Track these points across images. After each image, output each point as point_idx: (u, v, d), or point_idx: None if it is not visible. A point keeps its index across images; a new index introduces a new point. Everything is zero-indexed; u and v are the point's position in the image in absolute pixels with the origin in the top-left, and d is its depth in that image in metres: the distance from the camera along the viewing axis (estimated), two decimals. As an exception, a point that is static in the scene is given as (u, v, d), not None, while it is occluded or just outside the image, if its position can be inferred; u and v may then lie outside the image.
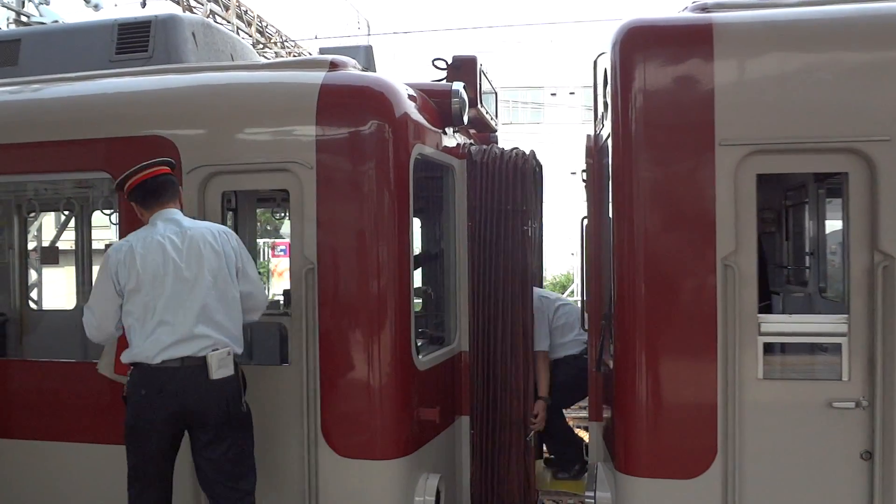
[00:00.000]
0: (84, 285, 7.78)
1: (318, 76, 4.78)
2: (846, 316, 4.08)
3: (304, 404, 4.59)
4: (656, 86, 4.18)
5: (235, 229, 6.72)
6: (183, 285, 4.06)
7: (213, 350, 4.05)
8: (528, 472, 5.60)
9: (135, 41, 5.70)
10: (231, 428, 4.13)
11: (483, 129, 6.44)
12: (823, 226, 6.43)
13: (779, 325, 4.15)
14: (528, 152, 5.72)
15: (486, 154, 5.64)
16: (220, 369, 4.05)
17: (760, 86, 4.09)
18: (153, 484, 4.19)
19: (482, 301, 5.56)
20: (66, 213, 7.97)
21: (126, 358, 4.14)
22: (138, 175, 4.24)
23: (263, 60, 6.94)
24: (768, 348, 4.13)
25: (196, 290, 4.06)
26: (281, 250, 20.98)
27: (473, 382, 5.56)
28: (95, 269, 8.00)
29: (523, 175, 5.57)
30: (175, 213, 4.27)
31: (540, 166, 5.63)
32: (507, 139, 7.04)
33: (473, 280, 5.54)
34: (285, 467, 4.69)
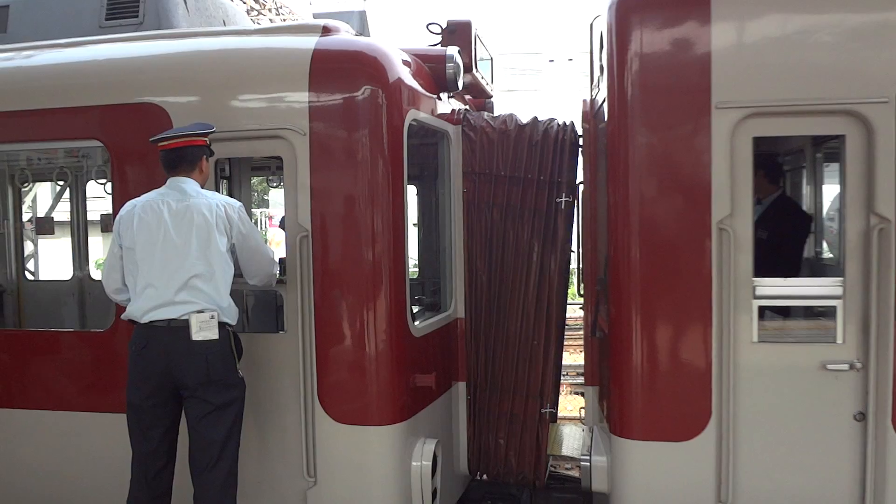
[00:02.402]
0: (80, 256, 7.78)
1: (310, 41, 4.73)
2: (841, 279, 4.09)
3: (300, 372, 4.60)
4: (652, 48, 4.15)
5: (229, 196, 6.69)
6: (171, 250, 4.17)
7: (198, 312, 4.12)
8: (541, 443, 5.50)
9: (125, 7, 5.63)
10: (212, 392, 4.15)
11: (478, 95, 6.39)
12: (821, 190, 6.41)
13: (774, 288, 4.15)
14: (567, 124, 5.57)
15: (516, 124, 5.53)
16: (201, 331, 4.11)
17: (757, 48, 4.05)
18: (143, 452, 4.26)
19: (493, 270, 5.50)
20: (60, 182, 7.92)
21: (124, 315, 4.32)
22: (162, 143, 4.34)
23: (256, 26, 6.87)
24: (763, 312, 4.13)
25: (182, 258, 4.15)
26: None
27: (475, 351, 5.54)
28: (92, 239, 8.02)
29: (562, 148, 5.45)
30: (186, 181, 4.33)
31: (577, 137, 5.51)
32: (504, 106, 6.97)
33: (473, 247, 5.51)
34: (283, 435, 4.72)
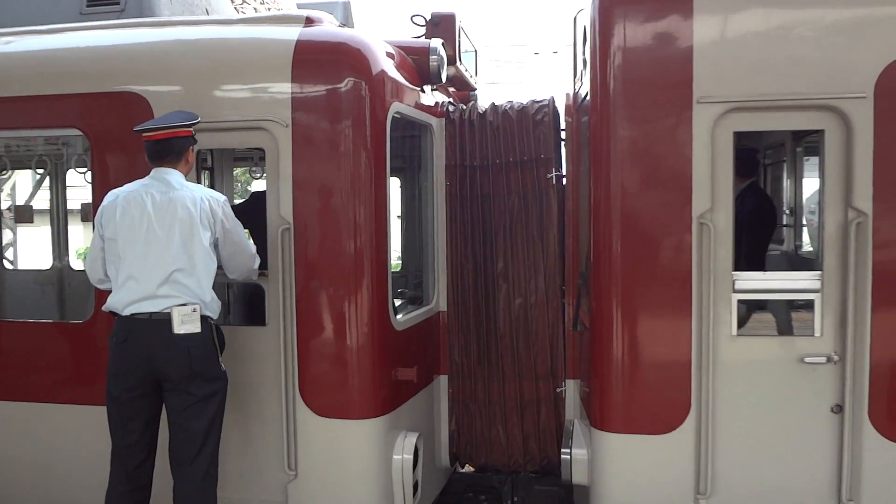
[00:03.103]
0: (60, 245, 7.70)
1: (293, 32, 4.70)
2: (819, 273, 4.12)
3: (281, 365, 4.59)
4: (635, 42, 4.16)
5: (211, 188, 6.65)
6: (154, 243, 4.14)
7: (180, 305, 4.09)
8: (560, 424, 5.45)
9: (106, -6, 5.56)
10: (195, 384, 4.14)
11: (462, 87, 6.38)
12: (801, 184, 6.46)
13: (753, 282, 4.18)
14: (546, 101, 5.57)
15: (496, 111, 5.57)
16: (183, 325, 4.09)
17: (739, 43, 4.08)
18: (124, 445, 4.24)
19: (480, 261, 5.52)
20: (40, 171, 7.83)
21: (105, 306, 4.28)
22: (147, 133, 4.30)
23: (239, 16, 6.81)
24: (742, 305, 4.16)
25: (164, 250, 4.13)
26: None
27: (464, 343, 5.55)
28: (72, 228, 7.94)
29: (542, 124, 5.45)
30: (171, 173, 4.29)
31: (557, 112, 5.52)
32: (489, 98, 6.96)
33: (457, 239, 5.52)
34: (264, 428, 4.71)
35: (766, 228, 5.81)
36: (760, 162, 6.27)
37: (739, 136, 4.18)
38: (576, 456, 4.56)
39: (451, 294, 5.61)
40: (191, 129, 4.36)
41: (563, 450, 4.69)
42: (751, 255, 5.18)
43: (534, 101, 5.59)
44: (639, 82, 4.15)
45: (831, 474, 4.15)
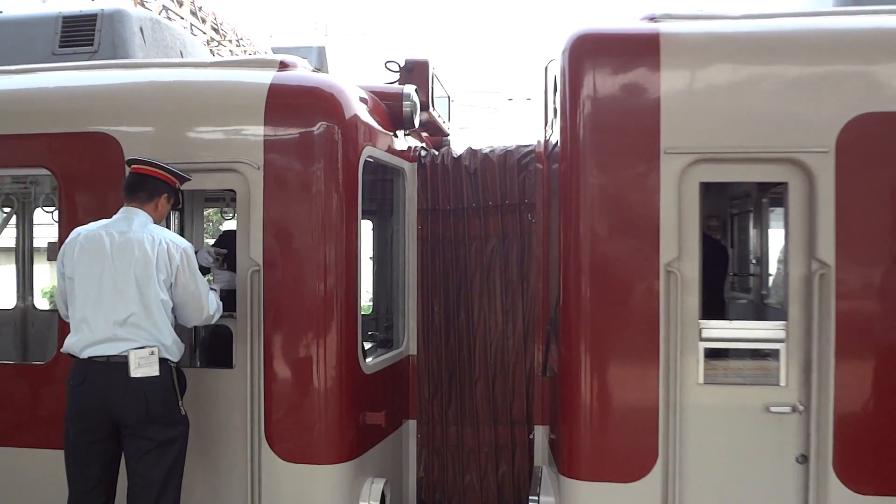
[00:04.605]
0: (24, 285, 7.58)
1: (267, 75, 4.73)
2: (784, 322, 4.17)
3: (248, 408, 4.52)
4: (604, 93, 4.23)
5: (181, 230, 6.61)
6: (109, 286, 4.08)
7: (138, 348, 4.03)
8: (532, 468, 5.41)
9: (80, 34, 5.57)
10: (153, 429, 4.05)
11: (435, 133, 6.45)
12: (767, 234, 6.57)
13: (719, 330, 4.22)
14: (532, 146, 5.64)
15: (475, 155, 5.64)
16: (140, 368, 4.02)
17: (705, 95, 4.17)
18: (81, 491, 4.13)
19: (453, 306, 5.53)
20: (6, 209, 7.74)
21: (63, 348, 4.22)
22: (131, 164, 4.31)
23: (215, 58, 6.85)
24: (709, 353, 4.19)
25: (119, 294, 4.06)
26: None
27: (435, 388, 5.52)
28: (37, 267, 7.83)
29: (527, 168, 5.53)
30: (136, 213, 4.24)
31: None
32: (462, 143, 7.04)
33: (428, 284, 5.52)
34: (229, 472, 4.62)
35: (720, 274, 5.88)
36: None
37: (707, 187, 4.25)
38: (543, 503, 4.52)
39: (421, 337, 5.60)
40: (173, 179, 4.31)
41: (531, 497, 4.65)
42: (707, 300, 5.21)
43: (519, 146, 5.66)
44: (608, 131, 4.21)
45: (797, 524, 4.15)
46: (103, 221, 4.26)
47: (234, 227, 4.92)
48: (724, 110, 4.12)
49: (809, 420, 4.09)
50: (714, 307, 5.36)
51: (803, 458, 4.12)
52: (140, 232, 4.14)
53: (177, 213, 6.54)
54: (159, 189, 4.29)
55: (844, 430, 4.06)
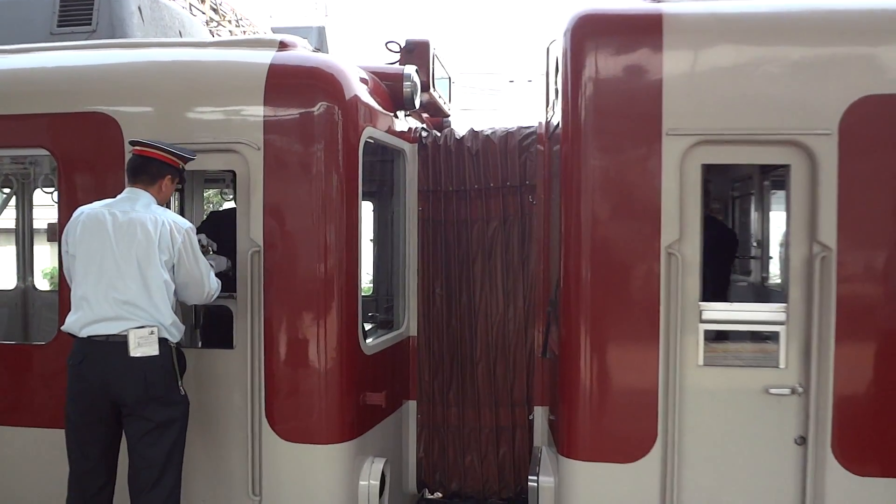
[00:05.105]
0: (25, 265, 7.58)
1: (267, 55, 4.70)
2: (785, 305, 4.17)
3: (248, 388, 4.54)
4: (606, 74, 4.21)
5: (182, 210, 6.60)
6: (111, 266, 4.08)
7: (137, 328, 4.03)
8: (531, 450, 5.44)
9: (78, 14, 5.55)
10: (152, 409, 4.06)
11: (436, 114, 6.42)
12: (768, 217, 6.56)
13: (720, 312, 4.22)
14: (535, 126, 5.60)
15: (476, 137, 5.62)
16: (139, 347, 4.02)
17: (707, 77, 4.14)
18: (82, 470, 4.16)
19: (456, 286, 5.54)
20: (6, 190, 7.72)
21: (63, 327, 4.23)
22: (134, 146, 4.31)
23: (214, 39, 6.81)
24: (709, 336, 4.20)
25: (120, 274, 4.06)
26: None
27: (437, 369, 5.53)
28: (38, 248, 7.82)
29: (529, 149, 5.51)
30: (139, 193, 4.24)
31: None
32: (463, 125, 7.02)
33: (430, 264, 5.51)
34: (230, 452, 4.64)
35: (727, 258, 5.86)
36: (710, 192, 6.33)
37: (708, 169, 4.24)
38: (542, 483, 4.54)
39: (422, 319, 5.60)
40: (176, 160, 4.31)
41: (530, 477, 4.67)
42: (713, 285, 5.21)
43: (521, 128, 5.64)
44: (609, 113, 4.20)
45: (795, 505, 4.17)
46: (107, 201, 4.27)
47: (219, 209, 4.91)
48: (727, 92, 4.10)
49: (808, 402, 4.10)
50: (721, 293, 5.36)
51: (802, 440, 4.14)
52: (143, 213, 4.15)
53: (177, 193, 6.52)
54: (162, 171, 4.29)
55: (843, 412, 4.07)
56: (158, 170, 4.28)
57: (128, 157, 4.59)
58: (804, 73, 4.08)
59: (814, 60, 4.11)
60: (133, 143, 4.33)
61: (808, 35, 4.18)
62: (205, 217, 6.27)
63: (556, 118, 4.73)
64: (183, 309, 4.65)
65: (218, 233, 4.80)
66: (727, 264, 5.90)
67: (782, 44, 4.15)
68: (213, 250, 4.71)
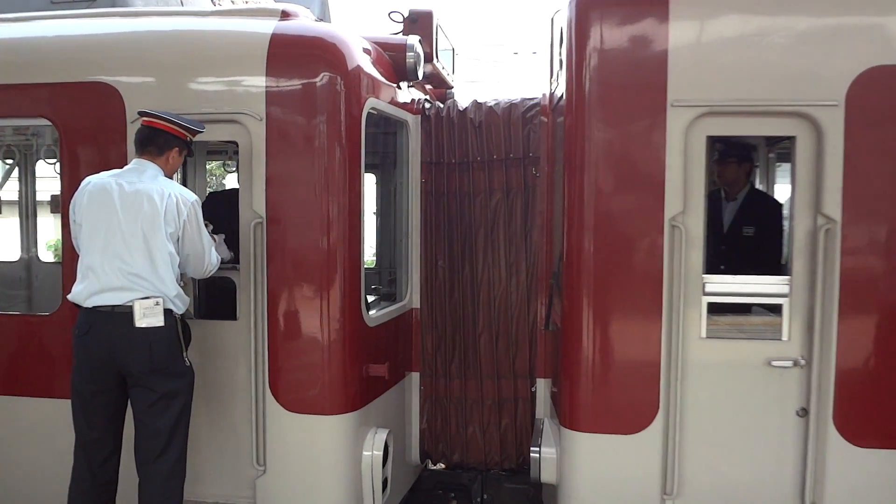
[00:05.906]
0: (28, 237, 7.59)
1: (269, 25, 4.66)
2: (788, 277, 4.17)
3: (252, 360, 4.56)
4: (611, 44, 4.17)
5: (184, 182, 6.58)
6: (117, 236, 4.08)
7: (142, 298, 4.03)
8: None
9: (78, -17, 5.48)
10: (157, 380, 4.08)
11: (439, 85, 6.37)
12: (773, 190, 6.52)
13: (722, 285, 4.22)
14: (539, 98, 5.55)
15: (480, 108, 5.58)
16: (144, 318, 4.03)
17: (713, 48, 4.10)
18: (88, 440, 4.19)
19: (459, 259, 5.55)
20: (8, 161, 7.71)
21: (69, 296, 4.22)
22: (143, 117, 4.28)
23: (216, 7, 6.74)
24: (712, 308, 4.20)
25: (126, 245, 4.07)
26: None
27: (439, 341, 5.54)
28: (41, 220, 7.83)
29: (532, 122, 5.48)
30: (145, 164, 4.24)
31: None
32: (467, 96, 6.97)
33: (433, 237, 5.51)
34: (234, 423, 4.67)
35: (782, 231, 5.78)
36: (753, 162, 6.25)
37: (713, 141, 4.21)
38: (545, 454, 4.57)
39: (424, 291, 5.61)
40: (185, 132, 4.28)
41: (532, 448, 4.70)
42: (777, 258, 5.14)
43: (524, 99, 5.60)
44: (614, 84, 4.16)
45: (796, 477, 4.19)
46: (114, 171, 4.26)
47: (219, 190, 4.89)
48: (733, 63, 4.07)
49: (811, 374, 4.11)
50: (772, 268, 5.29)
51: (804, 412, 4.15)
52: (150, 184, 4.14)
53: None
54: (170, 143, 4.27)
55: (845, 384, 4.08)
56: (166, 141, 4.26)
57: (130, 127, 4.58)
58: (811, 44, 4.03)
59: (821, 31, 4.06)
60: (142, 114, 4.30)
61: (815, 5, 4.13)
62: (206, 196, 6.24)
63: (560, 89, 4.69)
64: (187, 281, 4.65)
65: (216, 215, 4.78)
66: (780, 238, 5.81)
67: (789, 14, 4.10)
68: (216, 238, 4.72)
